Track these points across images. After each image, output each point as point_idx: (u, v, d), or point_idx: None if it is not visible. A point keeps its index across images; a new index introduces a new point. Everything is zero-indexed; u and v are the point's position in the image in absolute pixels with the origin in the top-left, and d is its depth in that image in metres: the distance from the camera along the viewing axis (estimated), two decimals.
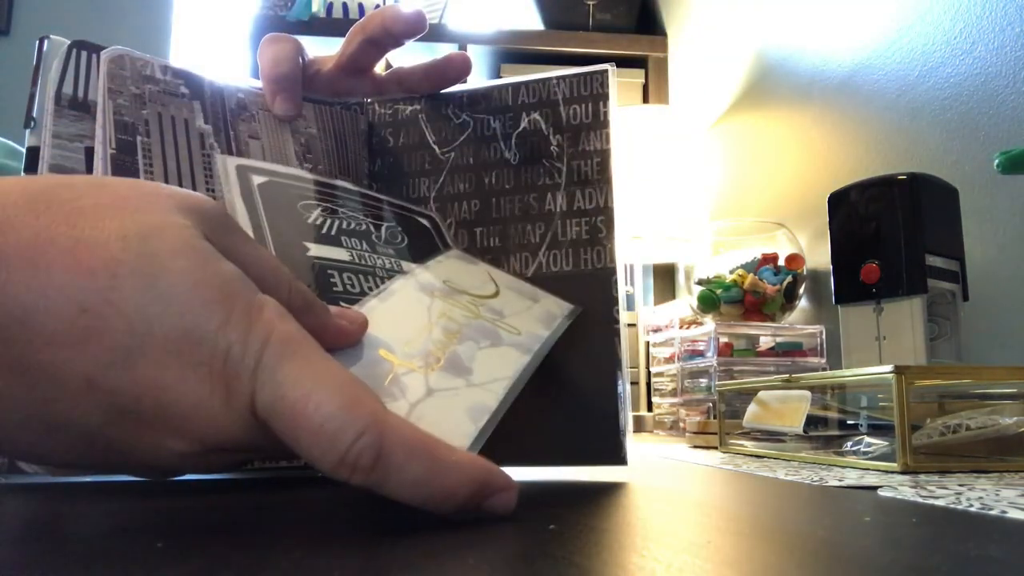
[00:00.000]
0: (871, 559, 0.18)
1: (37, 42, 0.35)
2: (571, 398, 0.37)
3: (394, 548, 0.19)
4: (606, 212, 0.39)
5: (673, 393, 1.03)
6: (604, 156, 0.40)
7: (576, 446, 0.37)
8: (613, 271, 0.38)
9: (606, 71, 0.41)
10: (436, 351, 0.30)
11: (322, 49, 0.45)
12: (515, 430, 0.38)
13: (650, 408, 1.21)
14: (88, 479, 0.34)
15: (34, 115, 0.34)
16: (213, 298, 0.21)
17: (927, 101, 0.85)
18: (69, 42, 0.35)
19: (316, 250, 0.34)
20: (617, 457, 0.36)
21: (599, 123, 0.40)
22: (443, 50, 1.02)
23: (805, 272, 1.03)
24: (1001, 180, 0.73)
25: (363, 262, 0.35)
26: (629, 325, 1.48)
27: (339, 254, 0.35)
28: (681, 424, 0.97)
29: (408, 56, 0.56)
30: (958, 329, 0.69)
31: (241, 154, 0.37)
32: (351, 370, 0.25)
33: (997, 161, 0.52)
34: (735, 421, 0.63)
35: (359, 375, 0.24)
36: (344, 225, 0.37)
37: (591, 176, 0.40)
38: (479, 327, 0.33)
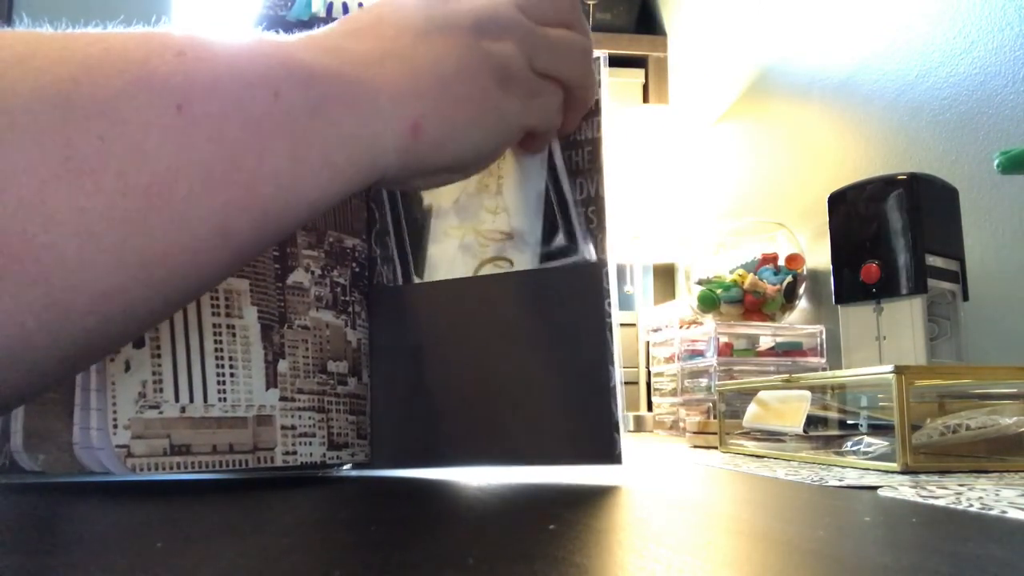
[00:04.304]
0: (871, 559, 0.18)
1: None
2: (561, 394, 0.37)
3: (394, 548, 0.19)
4: (597, 202, 0.38)
5: (673, 393, 1.03)
6: (595, 145, 0.39)
7: (567, 444, 0.36)
8: (604, 262, 0.38)
9: (597, 59, 0.40)
10: None
11: None
12: (505, 427, 0.38)
13: (650, 408, 1.21)
14: (88, 479, 0.34)
15: None
16: None
17: (926, 101, 0.85)
18: None
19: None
20: (611, 456, 0.35)
21: (590, 112, 0.39)
22: None
23: (805, 272, 1.03)
24: (1001, 180, 0.73)
25: None
26: (629, 325, 1.48)
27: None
28: (681, 424, 0.97)
29: None
30: (958, 329, 0.69)
31: None
32: None
33: (997, 161, 0.52)
34: (735, 421, 0.63)
35: None
36: None
37: (582, 165, 0.39)
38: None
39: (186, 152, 0.20)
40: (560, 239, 0.39)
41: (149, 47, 0.21)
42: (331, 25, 0.28)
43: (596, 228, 0.38)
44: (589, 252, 0.38)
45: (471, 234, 0.40)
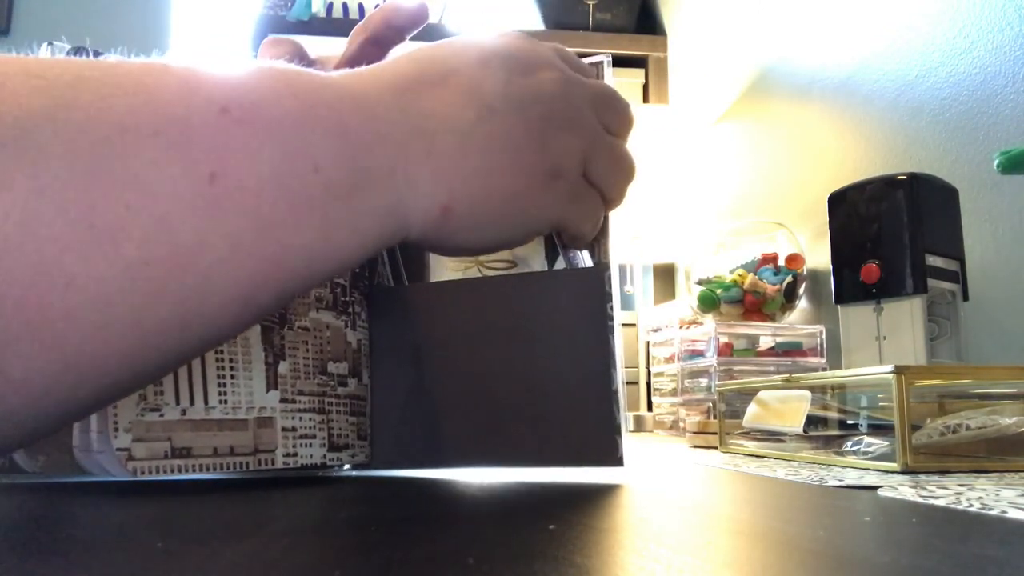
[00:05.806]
0: (871, 559, 0.18)
1: (39, 48, 0.35)
2: (563, 397, 0.37)
3: (394, 548, 0.19)
4: None
5: (673, 393, 1.03)
6: None
7: (569, 447, 0.36)
8: (607, 267, 0.38)
9: (601, 62, 0.40)
10: None
11: (323, 49, 0.45)
12: (505, 429, 0.38)
13: (650, 408, 1.21)
14: (88, 479, 0.34)
15: None
16: None
17: (926, 101, 0.85)
18: (68, 47, 0.35)
19: None
20: (612, 458, 0.35)
21: None
22: None
23: (805, 272, 1.03)
24: (1001, 180, 0.73)
25: None
26: (630, 325, 1.48)
27: None
28: (681, 424, 0.97)
29: None
30: (958, 329, 0.69)
31: None
32: None
33: (997, 161, 0.52)
34: (735, 421, 0.63)
35: None
36: None
37: None
38: None
39: (215, 223, 0.19)
40: (561, 262, 0.39)
41: (191, 102, 0.20)
42: (401, 62, 0.26)
43: (599, 232, 0.38)
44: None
45: (473, 266, 0.40)
